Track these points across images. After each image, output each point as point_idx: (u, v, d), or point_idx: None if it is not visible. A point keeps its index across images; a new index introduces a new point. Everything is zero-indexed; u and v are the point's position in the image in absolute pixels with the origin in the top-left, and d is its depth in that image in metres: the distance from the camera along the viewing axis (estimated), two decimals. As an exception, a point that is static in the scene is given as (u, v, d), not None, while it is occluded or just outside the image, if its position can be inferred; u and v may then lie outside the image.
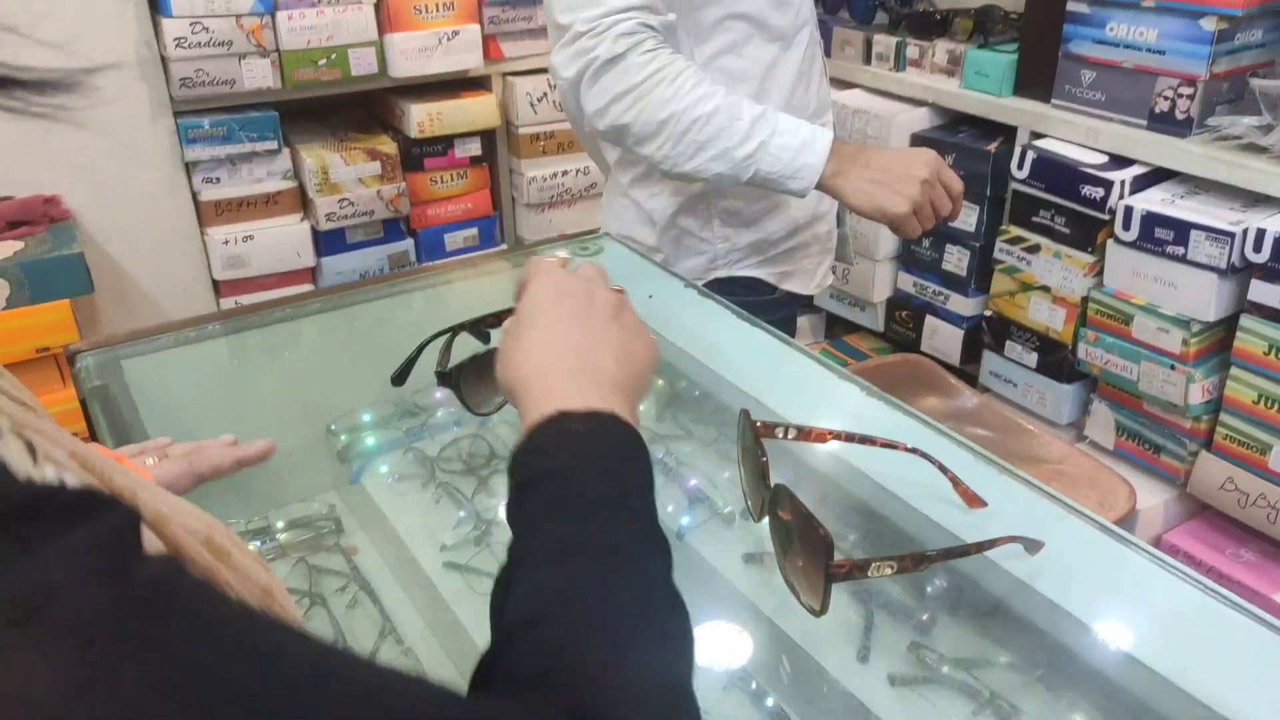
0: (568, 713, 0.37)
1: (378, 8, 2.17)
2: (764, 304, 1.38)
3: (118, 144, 2.02)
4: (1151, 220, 1.64)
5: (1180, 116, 1.66)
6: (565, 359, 0.55)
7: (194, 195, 2.15)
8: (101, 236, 2.05)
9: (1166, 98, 1.68)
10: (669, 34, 1.17)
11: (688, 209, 1.34)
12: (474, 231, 2.44)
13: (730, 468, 0.96)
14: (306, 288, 2.30)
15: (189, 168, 2.12)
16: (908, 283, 2.16)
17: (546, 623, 0.41)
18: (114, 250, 2.06)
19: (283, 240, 2.23)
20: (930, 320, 2.12)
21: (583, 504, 0.48)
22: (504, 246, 2.51)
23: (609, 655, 0.41)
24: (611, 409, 0.51)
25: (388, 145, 2.30)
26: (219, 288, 2.23)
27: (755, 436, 0.79)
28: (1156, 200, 1.67)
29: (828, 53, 2.20)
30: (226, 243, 2.17)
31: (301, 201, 2.26)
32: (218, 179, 2.15)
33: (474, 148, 2.40)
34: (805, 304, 2.37)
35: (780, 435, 0.81)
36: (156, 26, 2.00)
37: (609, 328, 0.58)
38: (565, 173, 2.45)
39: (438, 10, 2.22)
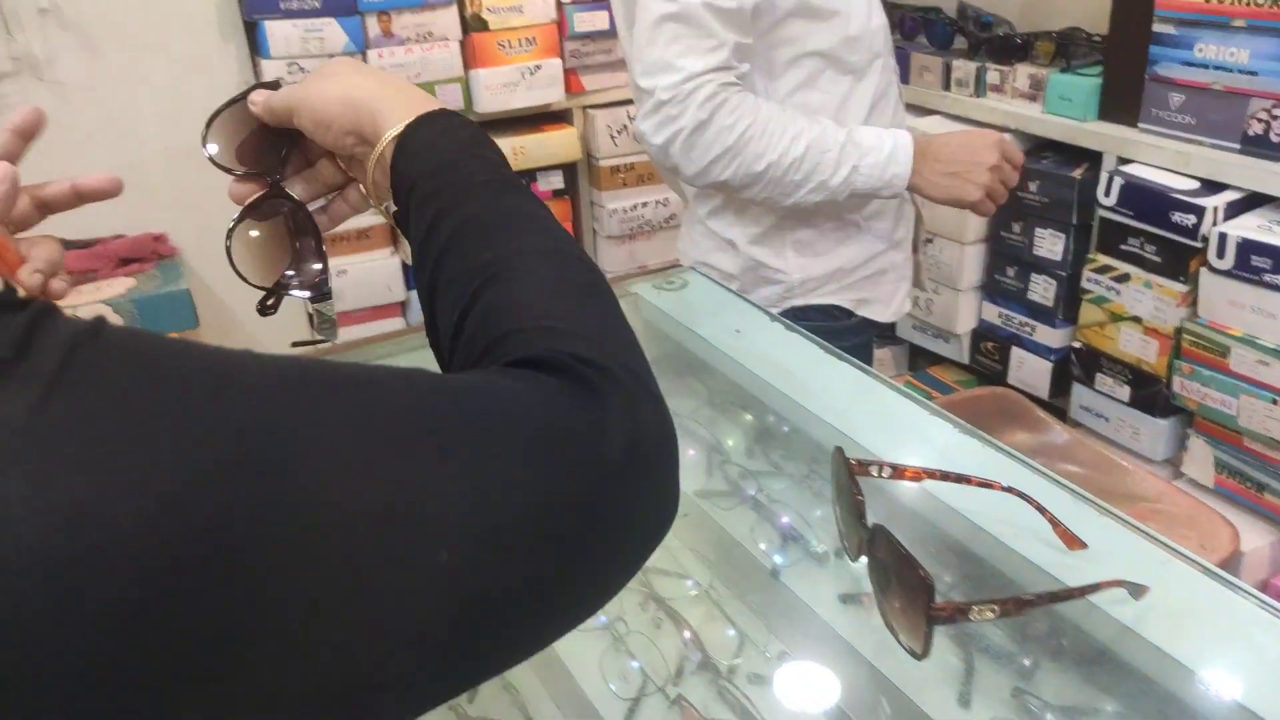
0: (567, 356, 0.42)
1: (463, 44, 2.24)
2: (841, 329, 1.38)
3: (220, 181, 2.11)
4: (1247, 248, 1.60)
5: (1275, 139, 1.62)
6: (393, 84, 0.60)
7: (289, 229, 2.24)
8: (206, 272, 2.14)
9: (1260, 120, 1.64)
10: (746, 82, 1.20)
11: (761, 240, 1.36)
12: (556, 262, 2.49)
13: (823, 505, 0.97)
14: (397, 321, 2.37)
15: (284, 203, 2.21)
16: (992, 313, 2.13)
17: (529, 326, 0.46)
18: (217, 285, 2.15)
19: (374, 274, 2.30)
20: (1017, 352, 2.09)
21: (486, 182, 0.53)
22: None
23: (581, 325, 0.46)
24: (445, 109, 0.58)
25: (473, 180, 2.36)
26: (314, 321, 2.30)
27: (850, 474, 0.80)
28: (1252, 226, 1.63)
29: (906, 79, 2.20)
30: (320, 276, 2.25)
31: (392, 236, 2.33)
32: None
33: (556, 181, 2.45)
34: (887, 335, 2.37)
35: (874, 473, 0.82)
36: (256, 68, 2.10)
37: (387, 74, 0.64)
38: (645, 204, 2.48)
39: (520, 45, 2.28)
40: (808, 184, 1.21)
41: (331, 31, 2.08)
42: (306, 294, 0.70)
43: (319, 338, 0.74)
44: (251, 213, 0.67)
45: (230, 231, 0.67)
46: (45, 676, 0.26)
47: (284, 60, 2.06)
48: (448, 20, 2.19)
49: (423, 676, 0.35)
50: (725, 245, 1.38)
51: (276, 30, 2.04)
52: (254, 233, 0.68)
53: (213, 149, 0.66)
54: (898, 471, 0.82)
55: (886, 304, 1.43)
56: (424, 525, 0.34)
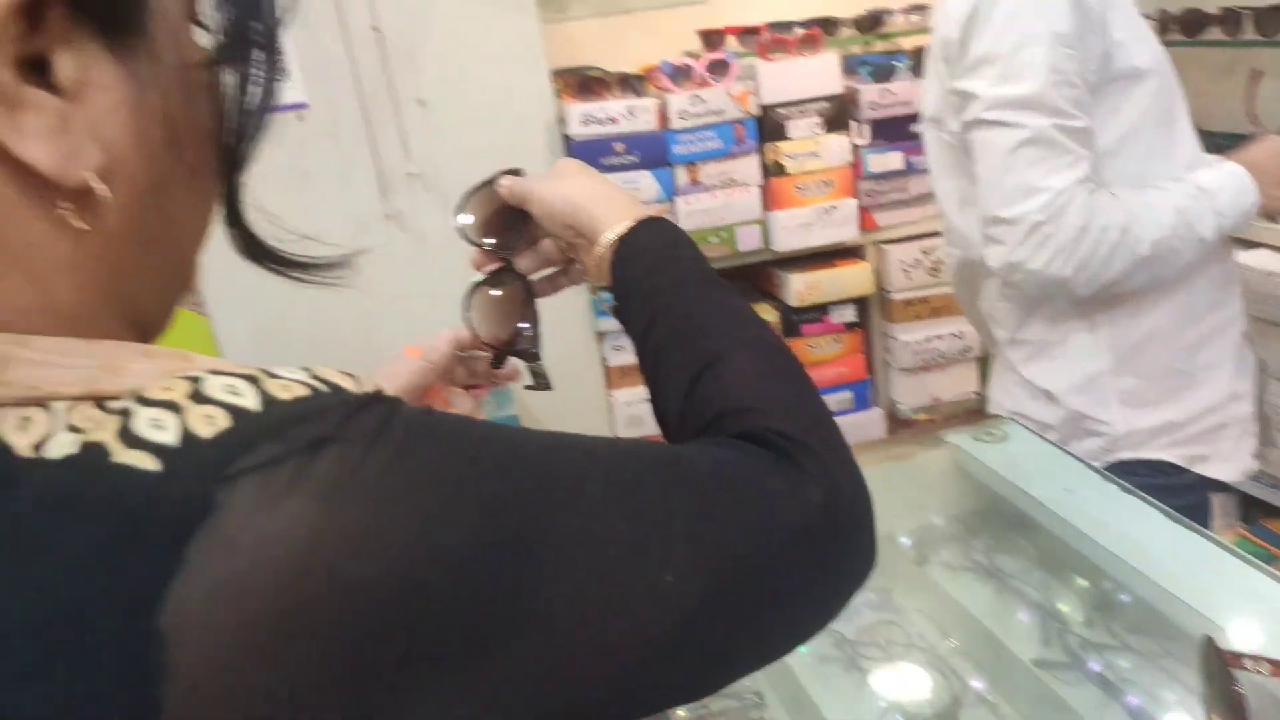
0: (771, 433, 0.52)
1: (763, 189, 2.36)
2: (1172, 487, 1.31)
3: (548, 317, 2.33)
4: None
5: None
6: (608, 188, 0.72)
7: (603, 360, 2.43)
8: (529, 399, 2.36)
9: None
10: None
11: (1082, 388, 1.33)
12: (848, 395, 2.52)
13: (1175, 686, 0.93)
14: (691, 445, 2.49)
15: (599, 337, 2.41)
16: (1343, 463, 1.93)
17: (747, 408, 0.55)
18: (538, 409, 2.37)
19: (672, 401, 2.44)
20: (1376, 508, 1.87)
21: (694, 280, 0.64)
22: (883, 436, 2.55)
23: (782, 406, 0.55)
24: (655, 214, 0.69)
25: (769, 314, 2.46)
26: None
27: (1224, 669, 0.77)
28: None
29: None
30: (629, 404, 2.41)
31: (690, 366, 2.47)
32: (622, 346, 2.41)
33: (848, 314, 2.50)
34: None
35: (1250, 668, 0.78)
36: (579, 218, 2.32)
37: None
38: (939, 337, 2.48)
39: (817, 187, 2.38)
40: (1187, 247, 1.22)
41: (646, 182, 2.27)
42: (525, 356, 0.83)
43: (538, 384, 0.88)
44: (487, 282, 0.81)
45: (469, 295, 0.81)
46: (391, 660, 0.35)
47: (603, 209, 2.27)
48: (749, 168, 2.34)
49: (646, 678, 0.43)
50: (1041, 395, 1.36)
51: (599, 183, 2.26)
52: (488, 298, 0.81)
53: (465, 220, 0.80)
54: (1277, 667, 0.78)
55: (1228, 460, 1.35)
56: (654, 553, 0.43)
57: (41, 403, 0.35)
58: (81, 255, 0.38)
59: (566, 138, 2.26)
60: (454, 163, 2.19)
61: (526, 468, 0.42)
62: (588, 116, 2.21)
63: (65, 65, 0.36)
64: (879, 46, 2.53)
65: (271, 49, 0.43)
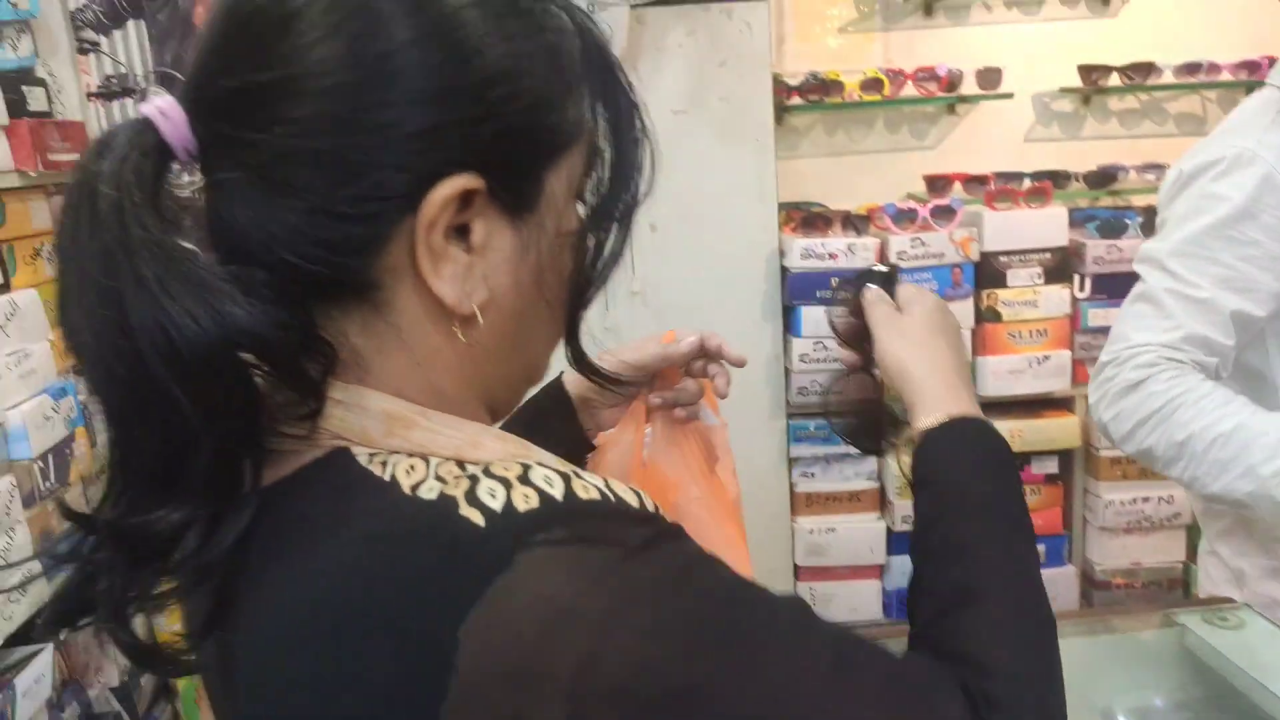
0: (981, 698, 0.53)
1: (974, 332, 2.37)
2: None
3: (739, 436, 2.38)
4: None
5: None
6: (938, 362, 0.72)
7: (791, 486, 2.45)
8: (716, 514, 2.40)
9: None
10: (1208, 372, 1.16)
11: (1278, 575, 1.25)
12: (1040, 549, 2.42)
13: None
14: (873, 583, 2.45)
15: (791, 462, 2.44)
16: None
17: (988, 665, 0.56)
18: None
19: (859, 536, 2.43)
20: None
21: (982, 504, 0.63)
22: (1074, 594, 2.46)
23: (1015, 675, 0.55)
24: (979, 414, 0.69)
25: (967, 457, 2.43)
26: (798, 572, 2.46)
27: None
28: None
29: None
30: (812, 532, 2.42)
31: (880, 502, 2.46)
32: (813, 474, 2.43)
33: (1050, 466, 2.44)
34: None
35: None
36: (786, 344, 2.38)
37: (960, 348, 0.75)
38: (1146, 499, 2.38)
39: (1031, 336, 2.36)
40: (1235, 466, 1.09)
41: (856, 316, 2.32)
42: (862, 448, 0.93)
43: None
44: (845, 376, 0.88)
45: (834, 380, 0.89)
46: None
47: (811, 339, 2.33)
48: (963, 311, 2.35)
49: None
50: (1233, 577, 1.29)
51: (809, 314, 2.33)
52: (844, 386, 0.88)
53: (841, 295, 0.85)
54: None
55: None
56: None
57: (424, 457, 0.48)
58: (460, 360, 0.51)
59: (784, 269, 2.34)
60: (674, 284, 2.30)
61: (742, 616, 0.47)
62: (807, 251, 2.30)
63: (478, 231, 0.49)
64: (1108, 201, 2.52)
65: (626, 222, 0.55)
